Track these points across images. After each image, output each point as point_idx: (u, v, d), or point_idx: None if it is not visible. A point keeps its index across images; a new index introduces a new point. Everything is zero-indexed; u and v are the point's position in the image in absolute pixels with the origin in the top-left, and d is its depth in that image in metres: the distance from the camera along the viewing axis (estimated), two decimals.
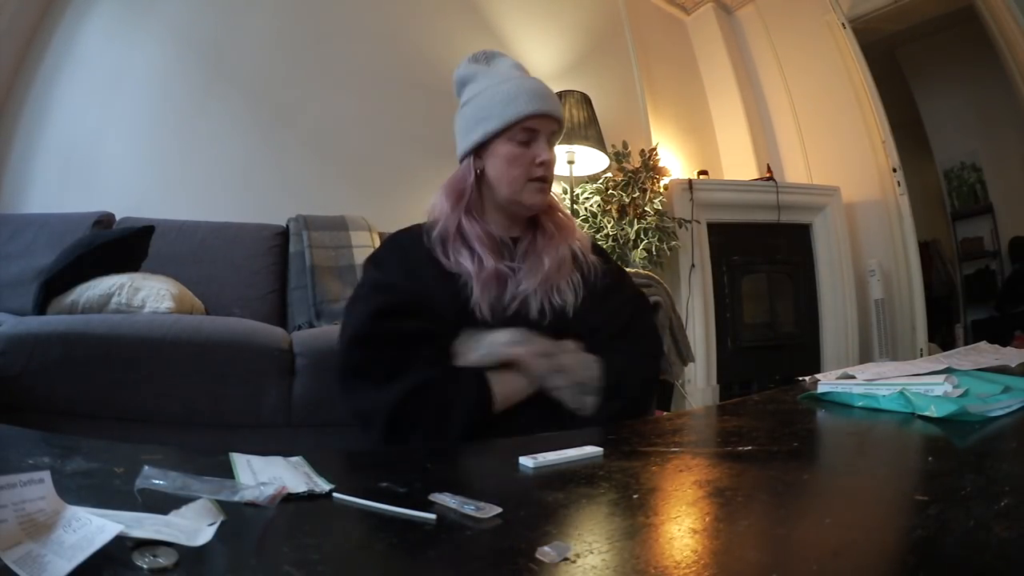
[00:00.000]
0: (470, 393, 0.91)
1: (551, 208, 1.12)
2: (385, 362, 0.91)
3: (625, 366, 1.00)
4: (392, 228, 1.22)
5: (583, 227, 2.99)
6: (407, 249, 1.05)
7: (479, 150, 1.05)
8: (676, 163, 3.71)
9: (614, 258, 1.47)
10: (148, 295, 1.73)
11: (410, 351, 0.92)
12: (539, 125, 1.02)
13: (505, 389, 0.93)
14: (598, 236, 2.99)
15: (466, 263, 1.00)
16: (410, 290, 0.98)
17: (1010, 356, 1.04)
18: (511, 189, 1.03)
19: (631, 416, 0.95)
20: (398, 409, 0.87)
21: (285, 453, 0.56)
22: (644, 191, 3.10)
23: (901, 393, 0.73)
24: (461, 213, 1.04)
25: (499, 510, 0.40)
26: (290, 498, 0.44)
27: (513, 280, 1.01)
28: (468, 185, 1.05)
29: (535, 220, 1.10)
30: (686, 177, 3.52)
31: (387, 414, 0.87)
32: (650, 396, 1.11)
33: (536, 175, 1.03)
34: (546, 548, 0.34)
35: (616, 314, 1.07)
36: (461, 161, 1.08)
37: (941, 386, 0.74)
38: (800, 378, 1.00)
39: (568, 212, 1.17)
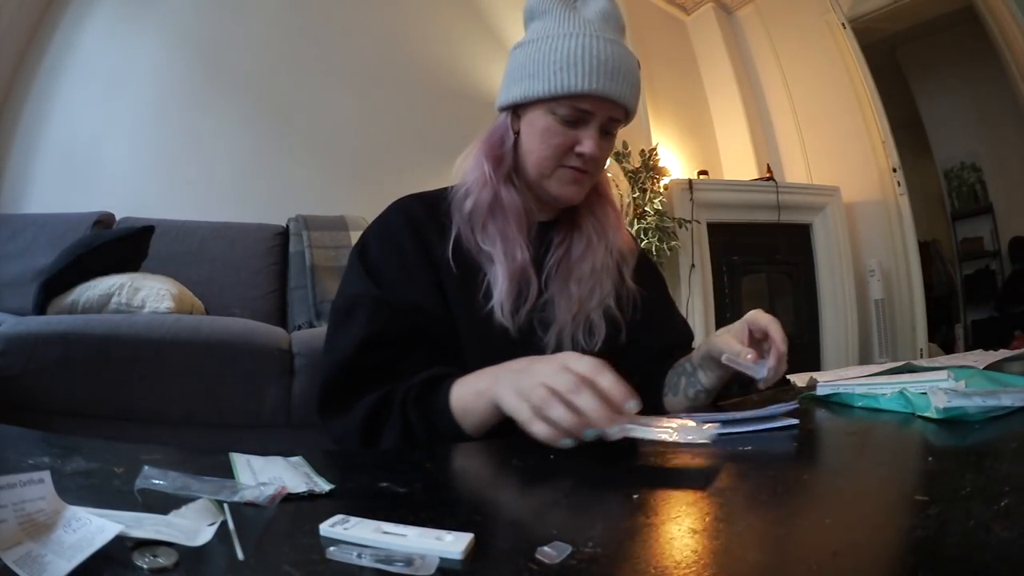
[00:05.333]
0: (425, 415, 0.71)
1: (599, 196, 0.92)
2: (364, 396, 0.74)
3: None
4: None
5: None
6: (411, 212, 0.86)
7: (518, 109, 0.85)
8: (676, 163, 3.71)
9: None
10: (148, 295, 1.74)
11: (397, 375, 0.75)
12: (595, 108, 0.81)
13: (467, 404, 0.69)
14: None
15: (497, 246, 0.82)
16: (404, 296, 0.79)
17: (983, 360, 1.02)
18: (537, 170, 0.85)
19: None
20: (362, 436, 0.73)
21: (285, 453, 0.56)
22: (644, 191, 3.10)
23: (901, 393, 0.73)
24: (500, 182, 0.85)
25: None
26: (290, 498, 0.44)
27: (534, 286, 0.84)
28: (507, 149, 0.86)
29: (575, 208, 0.91)
30: (686, 177, 3.52)
31: (357, 439, 0.74)
32: None
33: (570, 164, 0.84)
34: (546, 548, 0.34)
35: (681, 324, 0.99)
36: (501, 112, 0.89)
37: (944, 382, 0.74)
38: (789, 377, 1.00)
39: (616, 203, 0.96)
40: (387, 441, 0.72)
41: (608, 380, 0.57)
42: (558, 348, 0.82)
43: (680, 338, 0.98)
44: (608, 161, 0.99)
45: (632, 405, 0.57)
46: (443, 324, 0.81)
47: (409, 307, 0.79)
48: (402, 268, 0.82)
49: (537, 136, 0.83)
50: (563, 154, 0.83)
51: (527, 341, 0.82)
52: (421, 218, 0.85)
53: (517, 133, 0.86)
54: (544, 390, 0.58)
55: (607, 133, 0.85)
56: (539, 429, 0.58)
